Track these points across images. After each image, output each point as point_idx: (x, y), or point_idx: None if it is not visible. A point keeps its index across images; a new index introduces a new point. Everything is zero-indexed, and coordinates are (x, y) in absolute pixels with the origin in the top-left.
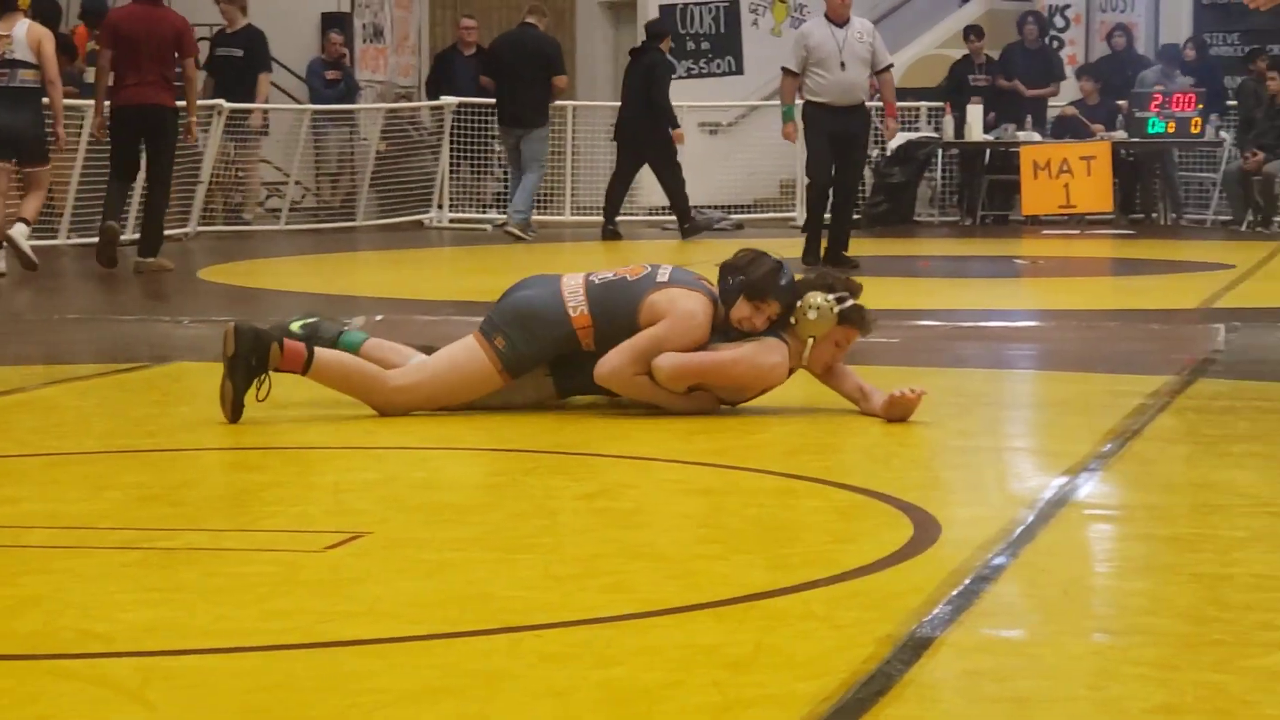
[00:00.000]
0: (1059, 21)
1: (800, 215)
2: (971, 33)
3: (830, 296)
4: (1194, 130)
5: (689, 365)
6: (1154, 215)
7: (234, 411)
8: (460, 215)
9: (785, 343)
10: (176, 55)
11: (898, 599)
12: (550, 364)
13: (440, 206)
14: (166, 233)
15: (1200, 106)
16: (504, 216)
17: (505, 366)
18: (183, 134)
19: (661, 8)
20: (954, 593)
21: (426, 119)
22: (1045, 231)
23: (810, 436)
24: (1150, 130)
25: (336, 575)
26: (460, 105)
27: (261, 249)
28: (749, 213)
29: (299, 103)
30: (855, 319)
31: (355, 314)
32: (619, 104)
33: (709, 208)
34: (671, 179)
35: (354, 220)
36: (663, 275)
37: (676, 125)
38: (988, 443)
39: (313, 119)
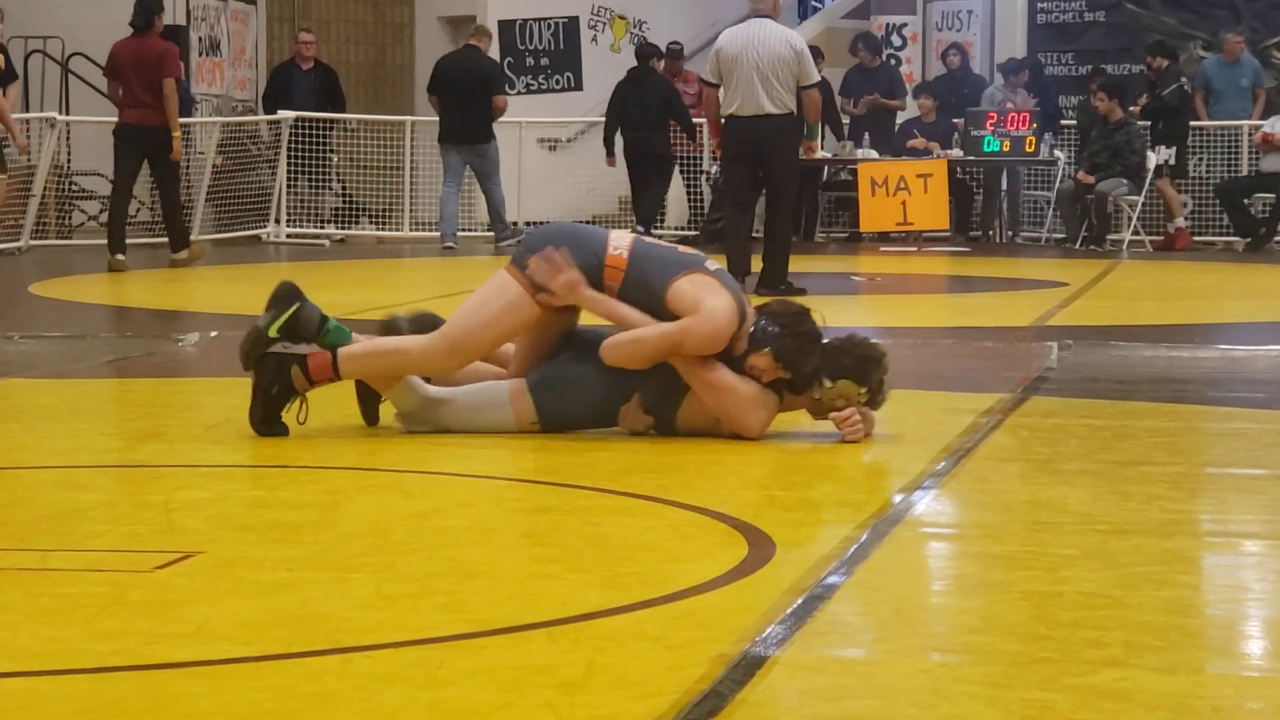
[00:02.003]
0: (896, 40)
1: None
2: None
3: (862, 390)
4: (1029, 149)
5: (689, 365)
6: (990, 233)
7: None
8: (297, 230)
9: (779, 400)
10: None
11: (731, 618)
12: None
13: (277, 221)
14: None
15: (1035, 125)
16: (341, 232)
17: (539, 290)
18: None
19: (500, 23)
20: (788, 612)
21: (264, 133)
22: (883, 248)
23: (647, 454)
24: (986, 149)
25: (166, 596)
26: (298, 119)
27: (95, 263)
28: None
29: None
30: (877, 403)
31: (190, 330)
32: (613, 123)
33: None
34: (655, 199)
35: (191, 234)
36: (712, 264)
37: (695, 136)
38: (823, 461)
39: None
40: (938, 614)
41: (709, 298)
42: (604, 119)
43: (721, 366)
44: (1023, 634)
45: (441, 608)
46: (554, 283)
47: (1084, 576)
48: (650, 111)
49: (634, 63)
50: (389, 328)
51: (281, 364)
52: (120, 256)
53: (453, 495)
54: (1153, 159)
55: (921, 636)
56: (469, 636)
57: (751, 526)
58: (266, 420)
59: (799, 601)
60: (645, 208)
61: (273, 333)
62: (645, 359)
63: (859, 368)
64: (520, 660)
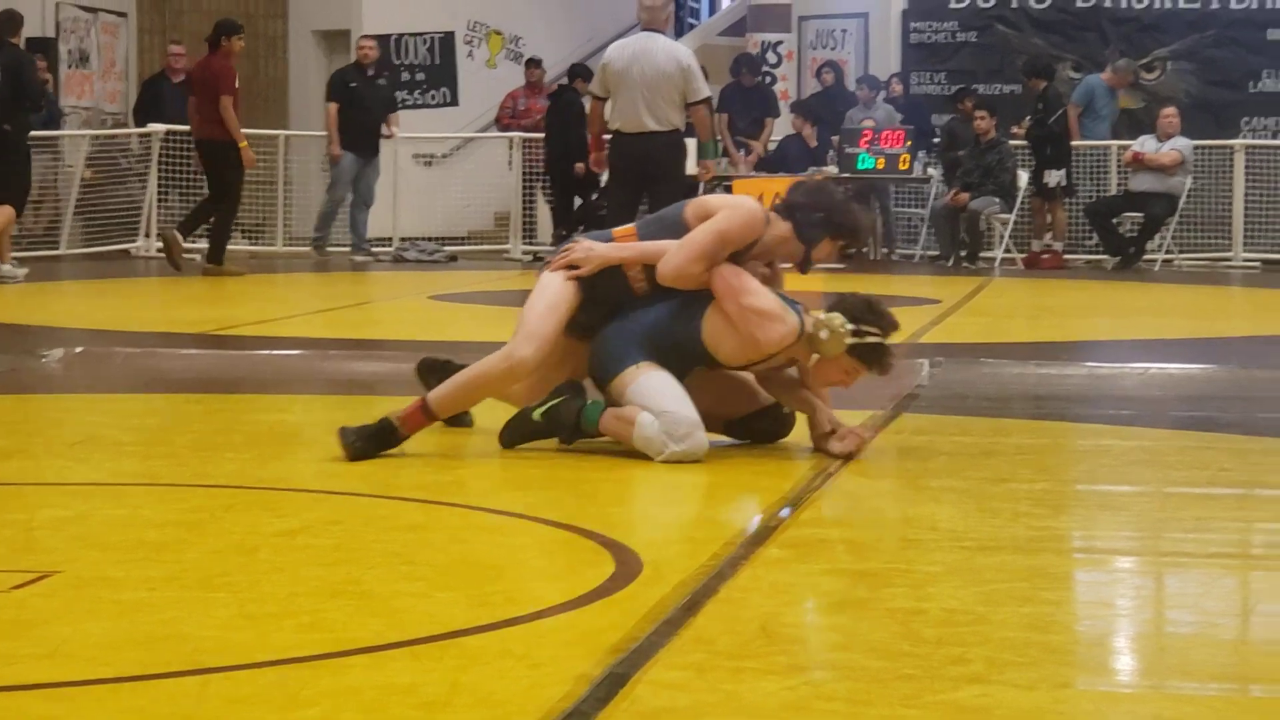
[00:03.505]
0: (771, 57)
1: (515, 247)
2: None
3: (849, 326)
4: (903, 166)
5: (718, 274)
6: (865, 250)
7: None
8: None
9: (801, 324)
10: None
11: (596, 636)
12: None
13: (148, 235)
14: None
15: (909, 143)
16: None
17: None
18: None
19: (376, 37)
20: (652, 630)
21: (134, 146)
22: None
23: (517, 471)
24: (860, 166)
25: (22, 616)
26: (169, 133)
27: None
28: (463, 245)
29: None
30: (866, 359)
31: (56, 345)
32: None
33: (423, 239)
34: (576, 212)
35: (58, 249)
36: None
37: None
38: (692, 478)
39: None
40: (802, 631)
41: (729, 199)
42: (477, 134)
43: (740, 274)
44: (886, 651)
45: (305, 627)
46: (571, 258)
47: (948, 593)
48: (566, 130)
49: (509, 77)
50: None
51: (376, 436)
52: (211, 264)
53: (321, 513)
54: (1024, 177)
55: (786, 654)
56: (331, 656)
57: (619, 544)
58: (360, 448)
59: (664, 619)
60: (570, 223)
61: (536, 416)
62: (698, 260)
63: (855, 308)
64: (383, 680)
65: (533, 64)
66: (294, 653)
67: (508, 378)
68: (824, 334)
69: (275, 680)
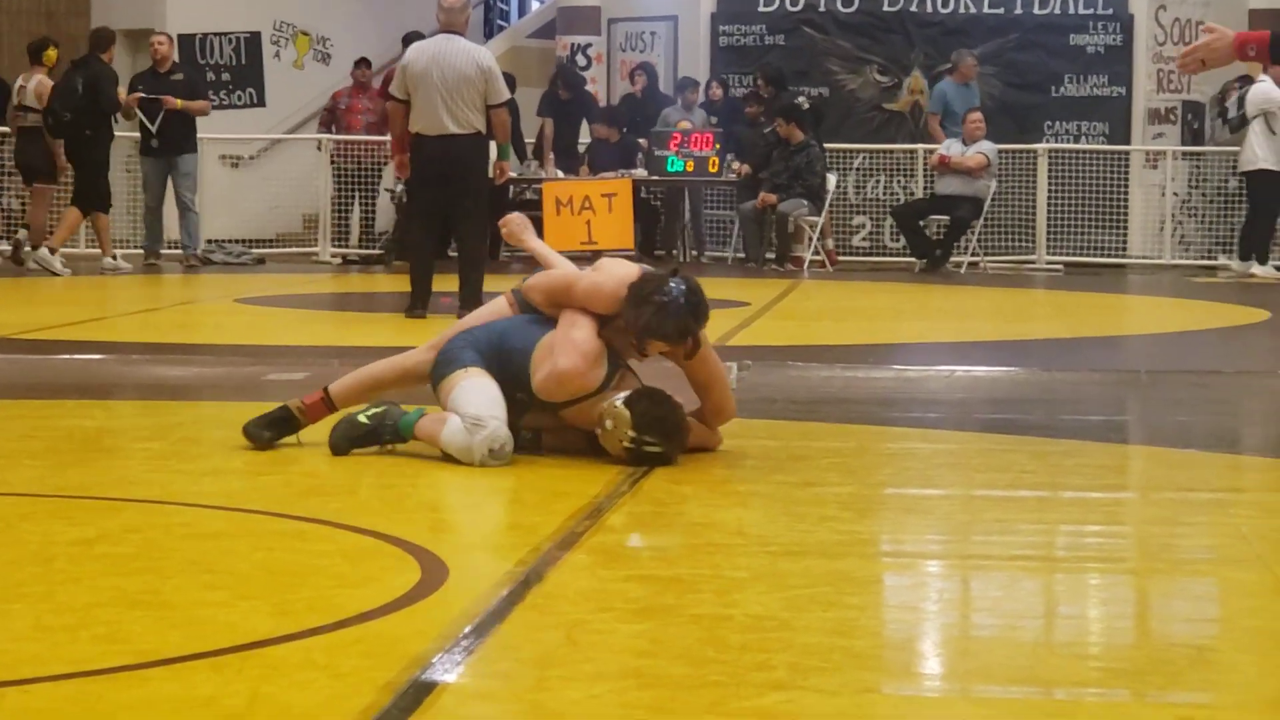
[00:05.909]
0: (581, 60)
1: (324, 250)
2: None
3: (630, 435)
4: (712, 169)
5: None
6: (674, 252)
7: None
8: None
9: (603, 384)
10: None
11: (401, 644)
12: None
13: None
14: None
15: (718, 146)
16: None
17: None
18: None
19: (180, 36)
20: (458, 638)
21: None
22: None
23: (323, 478)
24: (670, 169)
25: None
26: None
27: None
28: (271, 247)
29: None
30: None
31: None
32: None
33: (230, 242)
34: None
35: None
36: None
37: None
38: (500, 483)
39: None
40: (608, 639)
41: (615, 265)
42: (285, 135)
43: (585, 315)
44: (691, 658)
45: (102, 639)
46: (511, 224)
47: (754, 599)
48: None
49: (316, 78)
50: None
51: (275, 424)
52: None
53: (120, 521)
54: (832, 180)
55: (591, 662)
56: (130, 668)
57: (425, 550)
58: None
59: (469, 627)
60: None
61: (363, 419)
62: (541, 289)
63: (648, 412)
64: (183, 692)
65: (361, 63)
66: (91, 665)
67: (403, 379)
68: (608, 424)
69: (72, 693)
